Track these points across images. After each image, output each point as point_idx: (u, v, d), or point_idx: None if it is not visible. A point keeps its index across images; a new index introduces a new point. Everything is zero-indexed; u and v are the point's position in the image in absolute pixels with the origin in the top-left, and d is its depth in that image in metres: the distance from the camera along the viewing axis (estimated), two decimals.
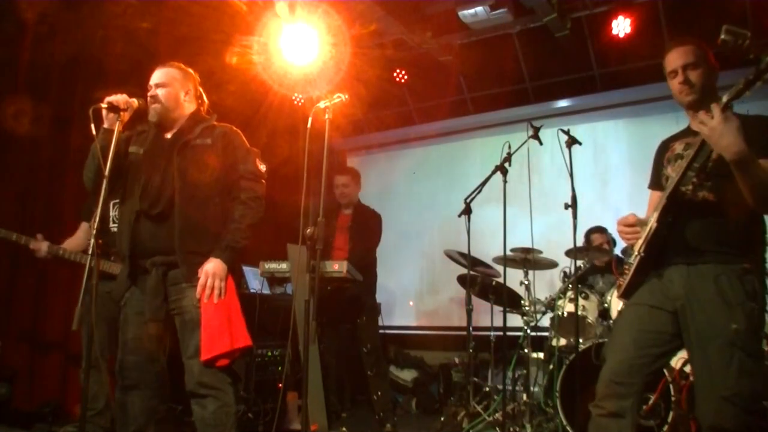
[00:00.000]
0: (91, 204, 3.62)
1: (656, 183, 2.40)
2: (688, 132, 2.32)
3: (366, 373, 4.27)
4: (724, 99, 1.95)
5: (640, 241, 2.20)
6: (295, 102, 6.05)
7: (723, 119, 1.89)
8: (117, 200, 3.59)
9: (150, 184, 2.48)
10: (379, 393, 4.25)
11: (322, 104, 2.71)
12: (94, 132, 2.34)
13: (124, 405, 2.44)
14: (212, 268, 2.42)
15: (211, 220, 2.51)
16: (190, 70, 2.71)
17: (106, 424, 3.40)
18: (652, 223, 2.15)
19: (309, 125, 2.68)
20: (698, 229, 2.11)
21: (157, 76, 2.60)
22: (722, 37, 2.08)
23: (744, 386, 1.92)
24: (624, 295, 2.29)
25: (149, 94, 2.57)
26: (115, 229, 3.54)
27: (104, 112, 2.42)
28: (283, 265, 4.06)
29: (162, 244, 2.45)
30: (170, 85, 2.59)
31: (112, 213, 3.63)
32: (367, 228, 4.45)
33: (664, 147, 2.38)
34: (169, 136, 2.59)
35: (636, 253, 2.21)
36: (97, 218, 2.26)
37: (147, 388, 2.45)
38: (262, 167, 2.64)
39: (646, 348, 2.11)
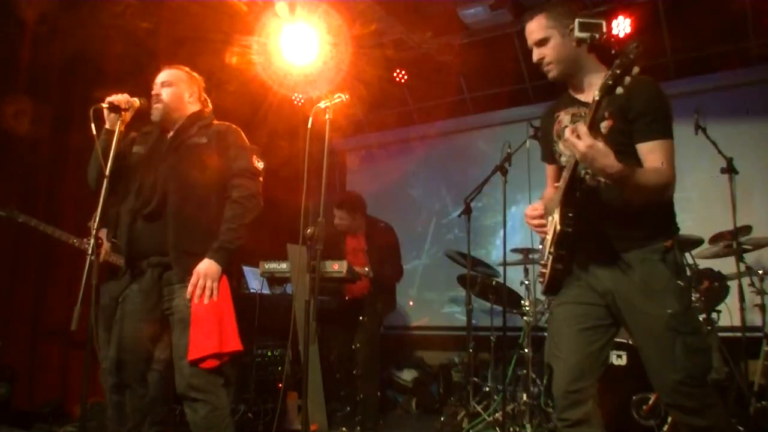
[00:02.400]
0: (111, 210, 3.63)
1: (548, 157, 2.29)
2: (571, 100, 2.18)
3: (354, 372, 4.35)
4: (597, 95, 1.75)
5: (549, 238, 2.07)
6: (295, 102, 6.05)
7: (591, 143, 1.77)
8: None
9: (144, 184, 2.47)
10: (362, 395, 4.28)
11: (322, 104, 2.71)
12: (94, 132, 2.34)
13: (119, 404, 2.42)
14: (204, 268, 2.38)
15: (206, 219, 2.48)
16: (195, 74, 2.71)
17: None
18: (556, 224, 2.01)
19: (309, 125, 2.68)
20: (608, 217, 2.02)
21: (163, 75, 2.62)
22: (577, 35, 1.99)
23: (693, 364, 1.91)
24: (548, 291, 2.18)
25: (153, 92, 2.58)
26: None
27: (105, 112, 2.42)
28: (283, 265, 4.07)
29: (157, 245, 2.43)
30: (175, 85, 2.60)
31: None
32: (387, 249, 4.53)
33: (550, 117, 2.25)
34: (169, 136, 2.60)
35: (547, 251, 2.10)
36: (98, 218, 2.26)
37: (141, 387, 2.44)
38: (260, 164, 2.58)
39: (590, 345, 2.04)
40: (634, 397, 3.38)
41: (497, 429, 3.92)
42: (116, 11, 4.32)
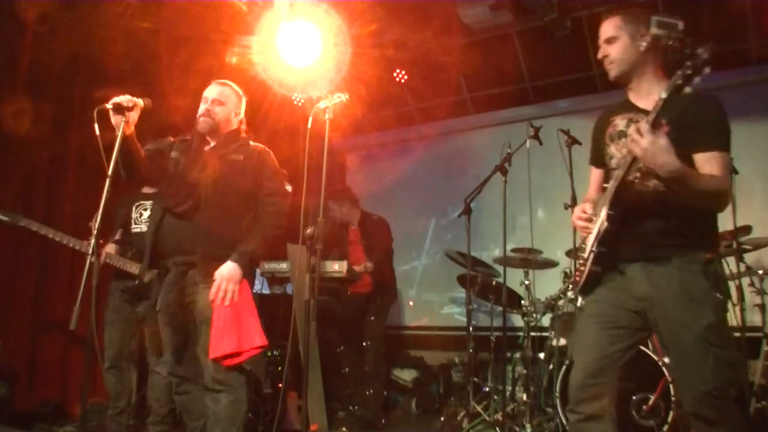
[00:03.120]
0: (122, 210, 3.65)
1: (597, 160, 2.31)
2: (629, 106, 2.19)
3: (364, 369, 4.41)
4: (663, 94, 1.84)
5: (592, 237, 2.10)
6: (295, 102, 6.05)
7: (653, 140, 1.83)
8: (140, 202, 3.66)
9: (181, 186, 2.62)
10: (371, 391, 4.34)
11: (322, 104, 2.73)
12: (97, 133, 2.33)
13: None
14: (227, 271, 2.53)
15: (230, 228, 2.62)
16: (241, 92, 2.89)
17: (128, 422, 3.45)
18: (603, 221, 2.05)
19: (309, 125, 2.69)
20: (653, 222, 2.04)
21: (216, 91, 2.77)
22: (654, 31, 2.02)
23: (722, 377, 1.93)
24: (582, 292, 2.21)
25: (205, 107, 2.72)
26: (137, 230, 3.61)
27: (111, 113, 2.41)
28: (283, 265, 4.09)
29: (183, 244, 2.59)
30: (226, 104, 2.77)
31: (134, 215, 3.65)
32: (375, 239, 4.65)
33: (605, 121, 2.26)
34: (208, 148, 2.74)
35: (589, 249, 2.12)
36: (99, 218, 2.26)
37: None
38: (288, 188, 2.77)
39: (614, 344, 2.06)
40: (634, 397, 3.38)
41: (497, 429, 3.92)
42: (116, 11, 4.32)
